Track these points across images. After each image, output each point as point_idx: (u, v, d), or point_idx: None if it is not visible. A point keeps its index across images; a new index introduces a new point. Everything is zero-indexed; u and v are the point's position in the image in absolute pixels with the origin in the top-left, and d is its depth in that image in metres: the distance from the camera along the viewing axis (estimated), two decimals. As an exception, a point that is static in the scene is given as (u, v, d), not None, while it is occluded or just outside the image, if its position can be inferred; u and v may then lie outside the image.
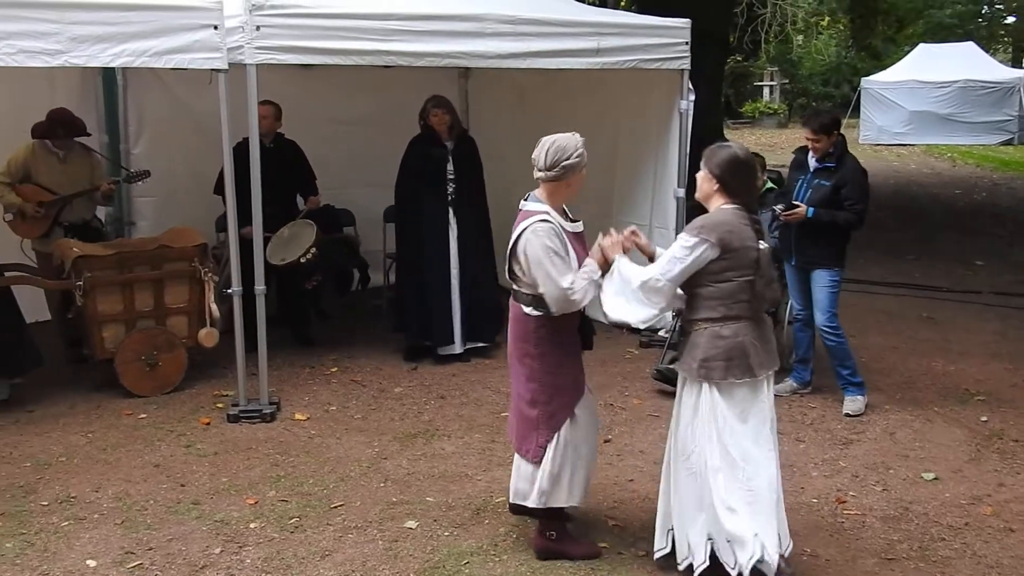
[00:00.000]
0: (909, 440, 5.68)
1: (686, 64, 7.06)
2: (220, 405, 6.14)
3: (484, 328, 7.19)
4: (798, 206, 5.96)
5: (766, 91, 32.62)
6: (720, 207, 3.96)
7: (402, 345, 7.24)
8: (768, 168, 6.93)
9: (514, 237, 4.02)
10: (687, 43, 7.02)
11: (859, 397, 6.11)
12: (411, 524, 4.58)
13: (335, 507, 4.77)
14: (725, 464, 3.88)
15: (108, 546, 4.37)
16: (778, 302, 6.59)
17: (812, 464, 5.32)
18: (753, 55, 27.88)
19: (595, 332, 4.26)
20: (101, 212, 7.49)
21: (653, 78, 7.21)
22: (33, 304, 7.10)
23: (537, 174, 4.02)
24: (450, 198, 7.02)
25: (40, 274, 6.62)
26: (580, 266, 3.99)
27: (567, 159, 4.00)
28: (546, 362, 4.09)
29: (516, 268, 4.04)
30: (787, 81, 32.88)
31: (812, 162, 6.08)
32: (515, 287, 4.12)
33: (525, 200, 4.10)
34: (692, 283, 3.92)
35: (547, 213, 3.99)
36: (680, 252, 3.86)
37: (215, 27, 5.50)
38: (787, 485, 4.96)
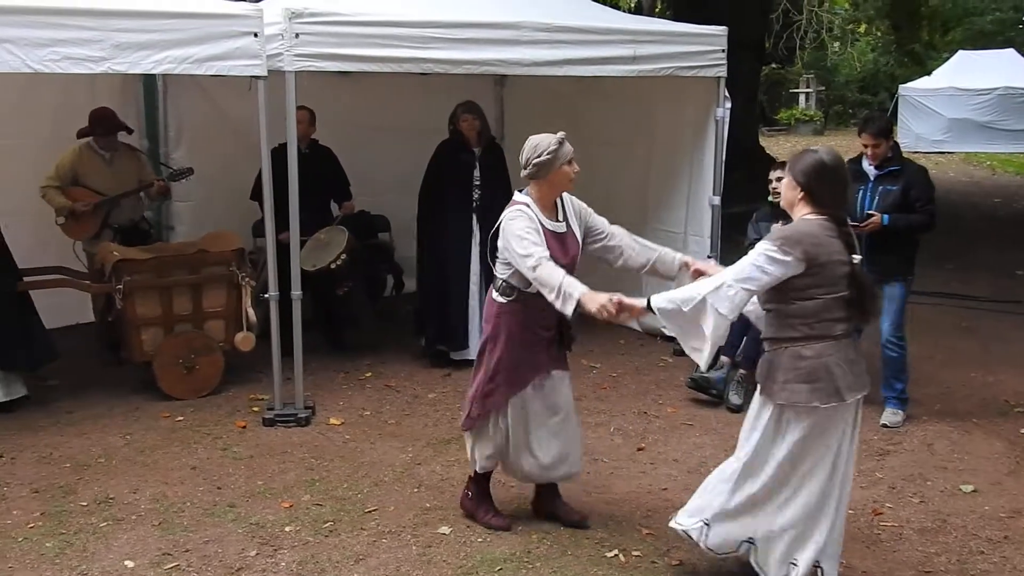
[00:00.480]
0: (947, 452, 5.62)
1: (722, 72, 7.04)
2: (256, 409, 6.19)
3: None
4: (872, 215, 5.79)
5: (802, 98, 32.36)
6: (804, 217, 3.77)
7: (426, 346, 7.27)
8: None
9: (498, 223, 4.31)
10: (723, 51, 7.01)
11: (900, 411, 6.04)
12: (444, 530, 4.60)
13: (369, 512, 4.80)
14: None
15: (146, 547, 4.42)
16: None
17: (848, 475, 5.27)
18: (789, 62, 27.72)
19: (573, 339, 4.55)
20: (149, 214, 7.60)
21: (689, 85, 7.20)
22: (82, 306, 7.28)
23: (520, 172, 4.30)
24: (475, 204, 7.02)
25: (90, 276, 6.71)
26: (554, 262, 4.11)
27: (538, 157, 4.25)
28: (499, 346, 4.37)
29: (499, 253, 4.32)
30: (823, 88, 32.63)
31: (871, 169, 5.92)
32: (495, 273, 4.40)
33: (518, 192, 4.38)
34: (772, 299, 3.77)
35: (527, 205, 4.28)
36: (761, 260, 3.66)
37: (255, 34, 5.56)
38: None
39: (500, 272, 4.39)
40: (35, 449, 5.56)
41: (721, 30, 7.00)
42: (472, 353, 7.03)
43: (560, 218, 4.36)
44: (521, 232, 4.17)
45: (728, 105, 7.13)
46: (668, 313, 3.81)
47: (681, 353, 7.35)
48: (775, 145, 22.18)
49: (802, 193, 3.79)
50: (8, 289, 6.12)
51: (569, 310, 4.00)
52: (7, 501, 4.88)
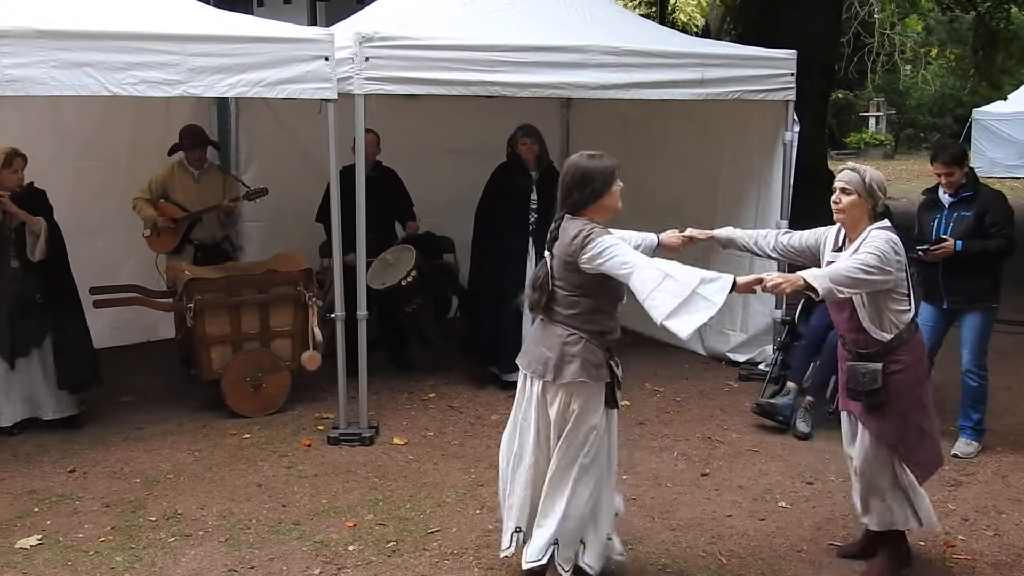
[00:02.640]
0: (1022, 484, 5.46)
1: (791, 95, 6.98)
2: (321, 427, 6.25)
3: None
4: (945, 240, 5.66)
5: (872, 121, 31.91)
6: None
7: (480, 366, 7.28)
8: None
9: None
10: (792, 74, 6.95)
11: (974, 442, 5.89)
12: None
13: (432, 532, 4.80)
14: None
15: (212, 563, 4.48)
16: None
17: (919, 506, 5.15)
18: (859, 85, 27.34)
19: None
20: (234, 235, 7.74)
21: (757, 108, 7.15)
22: (154, 324, 7.54)
23: None
24: (531, 227, 7.03)
25: (165, 293, 6.87)
26: None
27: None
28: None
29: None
30: (894, 111, 32.12)
31: (946, 197, 5.80)
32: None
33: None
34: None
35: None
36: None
37: (326, 58, 5.65)
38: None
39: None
40: (106, 464, 5.68)
41: (790, 54, 6.94)
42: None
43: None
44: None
45: (797, 128, 7.06)
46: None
47: (747, 378, 7.32)
48: (844, 169, 21.85)
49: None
50: (73, 311, 6.23)
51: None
52: (79, 515, 4.99)
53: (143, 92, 5.30)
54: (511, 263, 7.02)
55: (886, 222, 4.12)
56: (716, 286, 3.68)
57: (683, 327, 3.62)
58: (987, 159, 24.48)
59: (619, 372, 4.10)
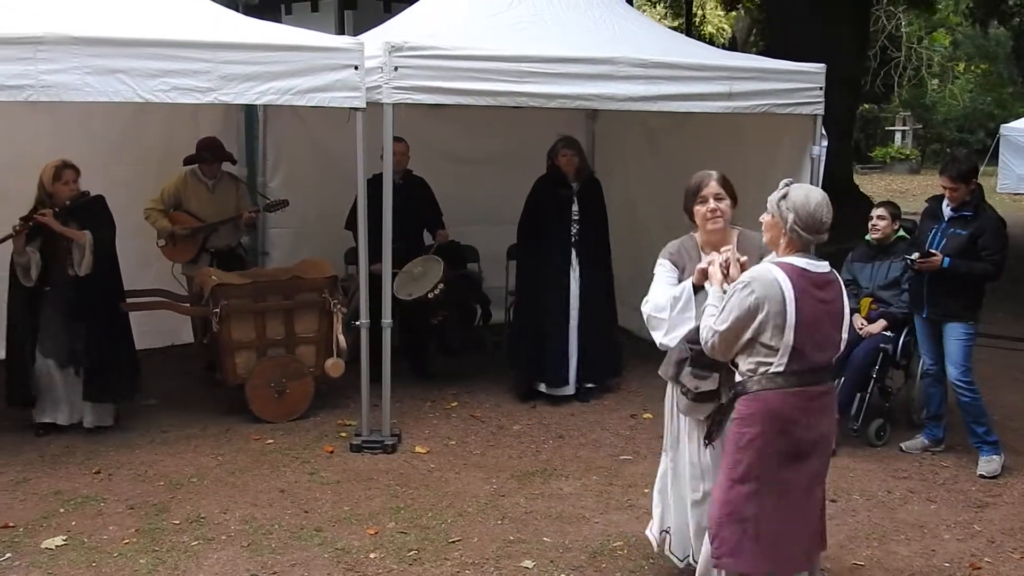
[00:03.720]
0: (1050, 505, 5.42)
1: (820, 109, 6.94)
2: (343, 434, 6.27)
3: (598, 369, 7.18)
4: (934, 254, 5.76)
5: (898, 136, 31.77)
6: None
7: (518, 382, 7.28)
8: (902, 216, 6.73)
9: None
10: (821, 88, 6.90)
11: (995, 457, 5.85)
12: (528, 564, 4.58)
13: (453, 542, 4.81)
14: None
15: (235, 567, 4.50)
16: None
17: (944, 526, 5.11)
18: (885, 99, 27.23)
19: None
20: (246, 240, 7.82)
21: (784, 122, 7.11)
22: (179, 327, 7.58)
23: None
24: (574, 239, 7.04)
25: (189, 298, 6.92)
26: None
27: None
28: None
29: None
30: (920, 126, 31.97)
31: (947, 211, 5.88)
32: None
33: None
34: None
35: None
36: None
37: (355, 67, 5.68)
38: (917, 547, 4.81)
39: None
40: (131, 467, 5.72)
41: (819, 67, 6.91)
42: (570, 389, 7.04)
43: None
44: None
45: (825, 143, 7.02)
46: None
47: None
48: (869, 183, 21.78)
49: None
50: (116, 326, 6.28)
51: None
52: (104, 516, 5.03)
53: (175, 99, 5.34)
54: (554, 275, 7.03)
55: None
56: (683, 300, 3.95)
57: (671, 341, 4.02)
58: (1015, 175, 24.25)
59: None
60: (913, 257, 5.85)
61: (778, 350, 3.58)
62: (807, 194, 3.69)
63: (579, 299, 7.02)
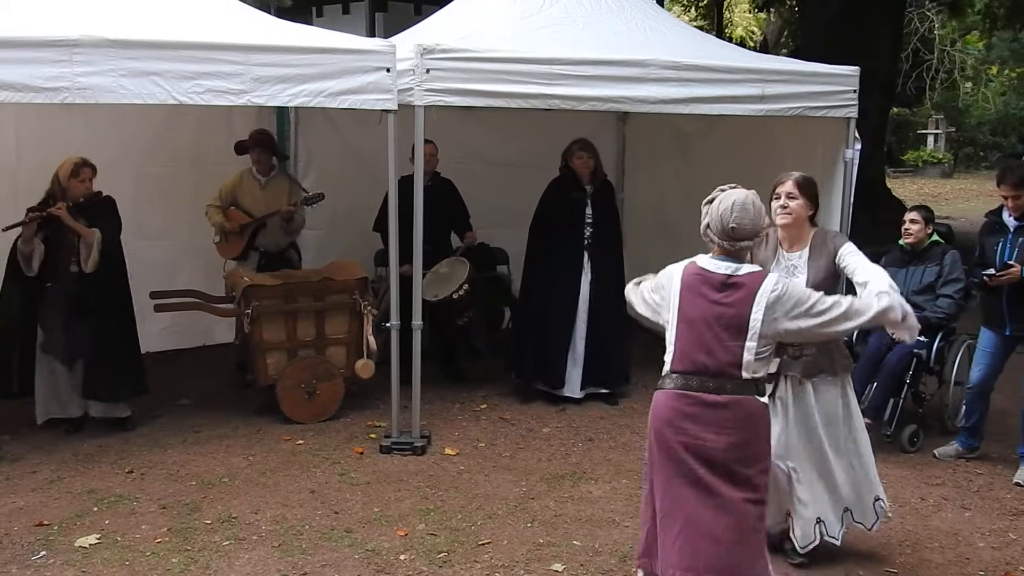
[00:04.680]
0: (1087, 514, 5.34)
1: (853, 112, 6.88)
2: (373, 436, 6.29)
3: (609, 374, 7.15)
4: (1012, 266, 5.55)
5: (930, 139, 31.45)
6: None
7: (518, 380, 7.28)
8: (936, 221, 6.64)
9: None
10: (855, 91, 6.85)
11: (1036, 466, 5.76)
12: (558, 567, 4.57)
13: (482, 544, 4.80)
14: None
15: (266, 568, 4.52)
16: None
17: (979, 534, 5.04)
18: (917, 102, 26.97)
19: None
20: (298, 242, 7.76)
21: (817, 124, 7.06)
22: (212, 328, 7.67)
23: None
24: (586, 242, 7.02)
25: (228, 299, 6.95)
26: None
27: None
28: None
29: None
30: (953, 129, 31.62)
31: (1011, 221, 5.71)
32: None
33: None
34: None
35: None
36: None
37: (387, 69, 5.70)
38: (951, 555, 4.76)
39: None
40: (163, 466, 5.76)
41: (853, 70, 6.85)
42: (577, 392, 7.01)
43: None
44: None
45: (858, 147, 6.96)
46: None
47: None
48: (900, 187, 21.58)
49: None
50: (118, 324, 6.28)
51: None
52: (136, 516, 5.06)
53: (209, 101, 5.38)
54: (564, 277, 7.01)
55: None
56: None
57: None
58: (1048, 180, 23.91)
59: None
60: (989, 273, 5.62)
61: (671, 347, 3.71)
62: (723, 200, 3.74)
63: (589, 302, 6.98)
